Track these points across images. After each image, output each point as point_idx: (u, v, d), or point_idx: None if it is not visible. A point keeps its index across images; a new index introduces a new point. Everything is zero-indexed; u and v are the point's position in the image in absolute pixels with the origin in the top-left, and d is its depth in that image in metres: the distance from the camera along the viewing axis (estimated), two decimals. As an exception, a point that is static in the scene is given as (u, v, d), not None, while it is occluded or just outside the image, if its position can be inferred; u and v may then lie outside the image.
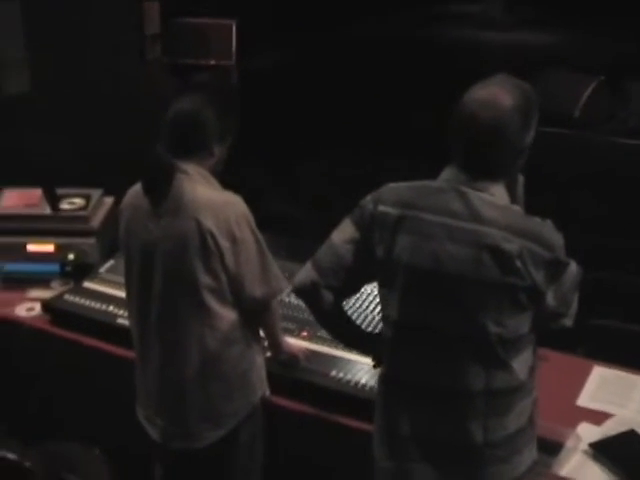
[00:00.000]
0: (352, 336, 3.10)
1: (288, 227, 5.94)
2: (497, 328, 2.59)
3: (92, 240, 4.35)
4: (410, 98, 8.68)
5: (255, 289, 3.16)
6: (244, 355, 3.24)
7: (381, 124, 8.59)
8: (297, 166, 8.28)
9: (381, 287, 2.81)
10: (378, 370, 2.99)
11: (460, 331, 2.63)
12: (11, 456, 2.79)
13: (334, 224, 2.88)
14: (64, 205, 4.44)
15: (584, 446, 3.26)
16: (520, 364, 2.68)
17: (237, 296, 3.16)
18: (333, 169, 8.09)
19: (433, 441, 2.76)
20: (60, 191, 4.52)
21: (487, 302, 2.58)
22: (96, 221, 4.44)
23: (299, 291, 2.90)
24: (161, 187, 3.10)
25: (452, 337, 2.65)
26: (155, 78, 9.11)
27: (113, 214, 4.47)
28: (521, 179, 2.81)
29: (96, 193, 4.59)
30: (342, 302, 2.95)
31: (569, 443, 3.27)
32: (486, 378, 2.65)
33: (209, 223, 3.04)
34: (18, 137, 6.44)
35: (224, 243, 3.06)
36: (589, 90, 8.07)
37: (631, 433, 3.32)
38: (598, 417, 3.43)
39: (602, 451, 3.22)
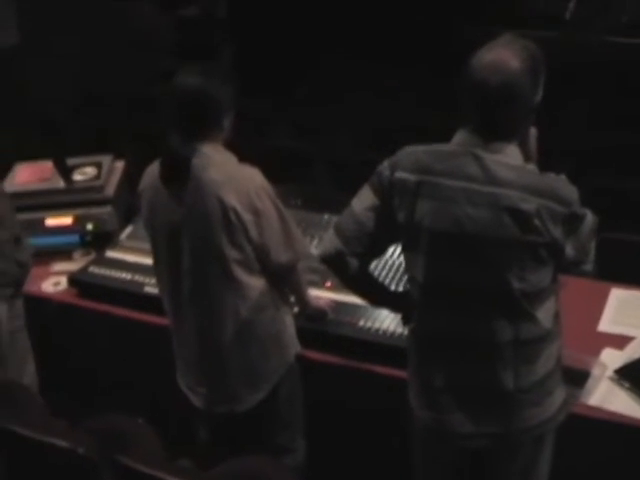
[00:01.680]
0: (380, 297, 3.20)
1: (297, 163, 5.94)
2: (520, 284, 2.68)
3: (109, 208, 4.41)
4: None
5: (280, 256, 3.24)
6: (275, 318, 3.34)
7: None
8: (298, 92, 8.20)
9: (405, 250, 2.89)
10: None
11: (485, 289, 2.72)
12: (63, 444, 2.81)
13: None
14: (77, 176, 4.48)
15: (609, 373, 3.37)
16: (545, 313, 2.78)
17: (263, 264, 3.24)
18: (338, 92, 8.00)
19: (467, 391, 2.87)
20: (70, 161, 4.55)
21: (509, 260, 2.66)
22: (110, 189, 4.49)
23: (325, 260, 2.98)
24: (180, 178, 3.15)
25: (478, 295, 2.74)
26: (141, 14, 9.05)
27: (126, 179, 4.54)
28: (533, 132, 2.86)
29: (106, 160, 4.63)
30: (368, 266, 3.04)
31: (595, 371, 3.37)
32: (513, 330, 2.75)
33: (231, 199, 3.10)
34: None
35: (247, 217, 3.13)
36: (579, -12, 8.01)
37: (654, 355, 3.42)
38: (620, 341, 3.53)
39: (627, 376, 3.33)
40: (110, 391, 4.07)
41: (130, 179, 4.34)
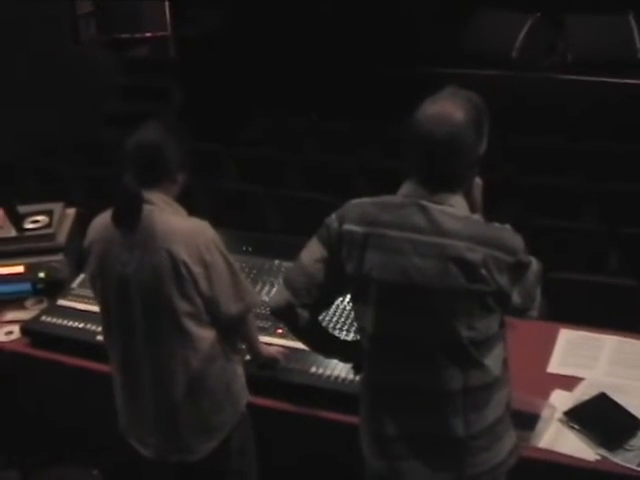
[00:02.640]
0: (331, 348, 3.23)
1: (246, 204, 5.98)
2: (469, 332, 2.72)
3: (60, 256, 4.41)
4: (348, 55, 8.66)
5: (230, 308, 3.27)
6: (226, 369, 3.36)
7: (322, 83, 8.58)
8: (244, 130, 8.27)
9: (354, 301, 2.93)
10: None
11: (434, 338, 2.76)
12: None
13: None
14: (28, 224, 4.48)
15: (559, 415, 3.41)
16: (493, 360, 2.82)
17: (214, 316, 3.26)
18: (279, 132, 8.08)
19: (419, 438, 2.89)
20: (21, 209, 4.55)
21: (457, 309, 2.70)
22: (62, 237, 4.50)
23: (275, 312, 3.01)
24: (131, 218, 3.16)
25: (428, 344, 2.77)
26: (92, 57, 9.09)
27: (77, 226, 4.54)
28: (478, 182, 2.91)
29: (57, 207, 4.64)
30: (318, 317, 3.06)
31: (544, 414, 3.40)
32: (463, 378, 2.78)
33: (181, 252, 3.13)
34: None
35: (197, 270, 3.16)
36: (525, 29, 8.17)
37: (602, 397, 3.47)
38: (569, 382, 3.58)
39: (576, 418, 3.37)
40: (64, 441, 4.05)
41: (81, 226, 4.34)
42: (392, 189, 2.85)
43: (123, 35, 9.49)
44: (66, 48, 8.80)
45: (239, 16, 9.36)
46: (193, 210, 3.35)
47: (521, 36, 8.19)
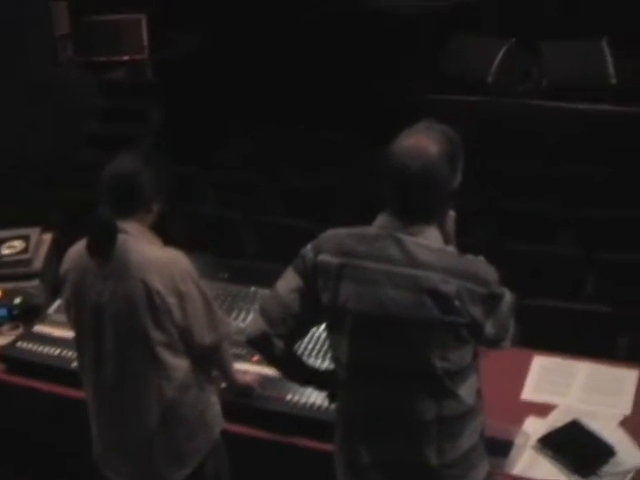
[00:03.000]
0: (305, 376, 3.24)
1: (224, 229, 6.00)
2: (443, 363, 2.74)
3: (36, 282, 4.42)
4: (327, 73, 8.68)
5: (204, 337, 3.29)
6: (200, 397, 3.38)
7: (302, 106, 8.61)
8: (223, 154, 8.28)
9: (329, 331, 2.95)
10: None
11: (409, 369, 2.78)
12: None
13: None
14: (4, 250, 4.49)
15: (532, 442, 3.43)
16: (467, 391, 2.84)
17: (188, 345, 3.28)
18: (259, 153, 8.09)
19: (393, 467, 2.91)
20: (-3, 234, 4.57)
21: (431, 340, 2.72)
22: (38, 262, 4.51)
23: (251, 342, 3.02)
24: (105, 248, 3.18)
25: (402, 374, 2.79)
26: (69, 79, 9.10)
27: (54, 252, 4.54)
28: (452, 214, 2.93)
29: (34, 232, 4.64)
30: (293, 347, 3.08)
31: (518, 441, 3.44)
32: (437, 408, 2.80)
33: (155, 283, 3.15)
34: None
35: (171, 300, 3.18)
36: (501, 54, 8.23)
37: (574, 424, 3.50)
38: (543, 409, 3.61)
39: (549, 445, 3.40)
40: (41, 467, 4.04)
41: (58, 252, 4.34)
42: (372, 215, 2.87)
43: (100, 58, 9.48)
44: (44, 69, 8.80)
45: (217, 38, 9.38)
46: (169, 235, 3.37)
47: (496, 62, 8.24)
